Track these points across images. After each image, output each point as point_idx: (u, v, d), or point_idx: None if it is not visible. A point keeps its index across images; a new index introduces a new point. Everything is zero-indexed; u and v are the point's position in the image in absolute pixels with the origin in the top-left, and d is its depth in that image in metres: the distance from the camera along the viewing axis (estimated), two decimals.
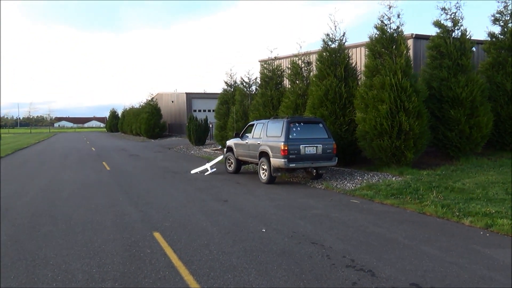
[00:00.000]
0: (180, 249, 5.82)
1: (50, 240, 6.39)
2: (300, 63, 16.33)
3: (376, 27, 12.96)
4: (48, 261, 5.44)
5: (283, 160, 11.07)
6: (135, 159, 20.67)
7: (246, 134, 13.57)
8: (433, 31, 19.12)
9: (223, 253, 5.62)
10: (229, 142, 14.60)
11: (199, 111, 43.23)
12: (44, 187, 11.71)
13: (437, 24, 13.94)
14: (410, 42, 15.54)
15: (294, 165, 11.14)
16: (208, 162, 15.24)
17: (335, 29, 14.44)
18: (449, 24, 13.87)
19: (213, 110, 25.97)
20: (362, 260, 5.29)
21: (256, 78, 21.26)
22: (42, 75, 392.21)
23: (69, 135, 67.39)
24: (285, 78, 18.34)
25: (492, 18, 15.91)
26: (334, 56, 14.23)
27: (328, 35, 14.53)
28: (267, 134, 12.09)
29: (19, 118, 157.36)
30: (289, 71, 16.69)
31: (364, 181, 11.26)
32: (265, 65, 18.87)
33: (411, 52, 14.77)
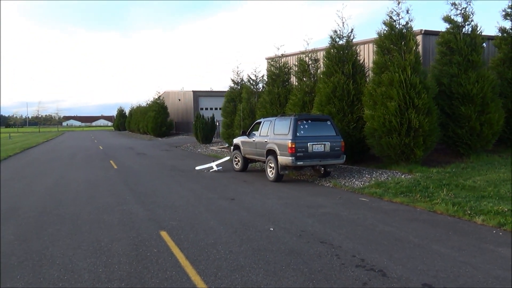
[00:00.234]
0: (187, 249, 5.75)
1: (57, 239, 6.37)
2: (307, 60, 16.18)
3: (384, 23, 12.80)
4: (55, 260, 5.41)
5: (290, 158, 10.97)
6: (142, 157, 20.70)
7: (253, 132, 13.48)
8: (442, 26, 18.83)
9: (230, 253, 5.55)
10: (236, 140, 14.54)
11: (206, 109, 43.25)
12: (51, 186, 11.74)
13: (447, 19, 13.72)
14: (419, 38, 15.33)
15: (301, 163, 11.04)
16: (213, 160, 15.23)
17: (343, 25, 14.30)
18: (459, 19, 13.64)
19: (220, 108, 25.93)
20: (372, 259, 5.18)
21: (263, 76, 21.19)
22: (50, 75, 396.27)
23: (77, 133, 67.90)
24: (292, 75, 18.19)
25: (503, 13, 15.66)
26: (342, 52, 14.08)
27: (335, 31, 14.37)
28: (274, 132, 11.99)
29: (28, 117, 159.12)
30: (296, 68, 16.55)
31: (373, 179, 11.12)
32: (272, 63, 18.74)
33: (420, 48, 14.57)
